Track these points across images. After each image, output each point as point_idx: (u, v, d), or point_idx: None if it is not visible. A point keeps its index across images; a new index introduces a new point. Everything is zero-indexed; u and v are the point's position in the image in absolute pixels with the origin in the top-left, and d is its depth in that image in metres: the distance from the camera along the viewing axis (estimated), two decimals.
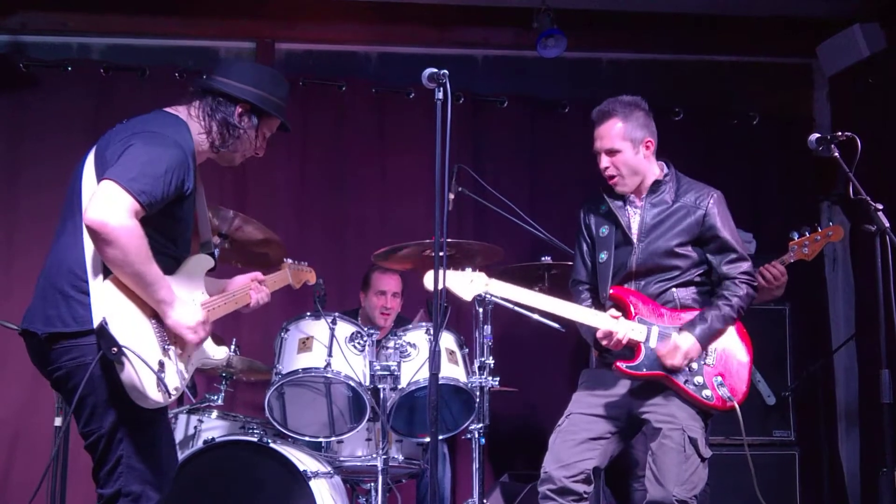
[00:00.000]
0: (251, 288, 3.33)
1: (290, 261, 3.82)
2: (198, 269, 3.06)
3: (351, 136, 5.88)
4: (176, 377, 2.83)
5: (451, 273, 3.42)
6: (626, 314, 3.45)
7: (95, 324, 2.66)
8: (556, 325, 4.44)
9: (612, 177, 3.54)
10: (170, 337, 2.85)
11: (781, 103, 6.33)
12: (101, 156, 2.83)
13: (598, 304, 3.60)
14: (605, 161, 3.54)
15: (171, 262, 2.94)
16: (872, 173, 3.62)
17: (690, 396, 3.39)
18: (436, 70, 2.94)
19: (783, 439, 5.27)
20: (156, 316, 2.81)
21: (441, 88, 2.94)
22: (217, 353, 3.12)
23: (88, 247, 2.74)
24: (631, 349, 3.43)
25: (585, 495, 3.40)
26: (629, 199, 3.59)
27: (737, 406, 3.39)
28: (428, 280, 3.35)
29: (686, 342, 3.38)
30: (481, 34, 6.10)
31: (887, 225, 3.35)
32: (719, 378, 3.42)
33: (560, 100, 6.08)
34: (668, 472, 3.34)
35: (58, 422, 4.31)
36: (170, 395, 2.79)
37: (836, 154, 3.42)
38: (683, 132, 5.95)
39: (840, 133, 3.43)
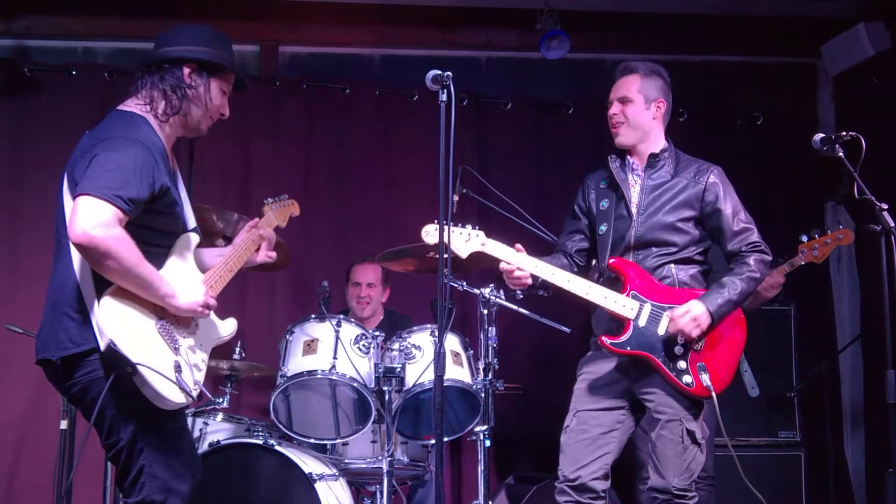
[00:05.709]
0: (250, 234, 3.27)
1: (269, 200, 3.60)
2: (185, 248, 3.00)
3: (355, 138, 5.88)
4: (192, 373, 2.85)
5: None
6: (622, 287, 3.43)
7: (102, 346, 2.65)
8: (561, 327, 4.44)
9: (617, 124, 3.55)
10: (178, 333, 2.86)
11: (786, 103, 6.32)
12: (72, 175, 2.80)
13: (582, 272, 3.61)
14: (615, 108, 3.56)
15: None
16: (877, 173, 3.61)
17: (671, 380, 3.35)
18: (440, 72, 2.94)
19: (789, 440, 5.26)
20: (158, 315, 2.81)
21: (445, 90, 2.93)
22: (225, 328, 3.11)
23: (78, 267, 2.74)
24: (619, 324, 3.41)
25: (603, 494, 3.40)
26: (632, 166, 3.57)
27: (714, 395, 3.33)
28: (428, 237, 3.41)
29: (696, 309, 3.33)
30: (485, 36, 6.10)
31: (893, 224, 3.33)
32: (703, 364, 3.37)
33: (564, 101, 6.08)
34: (668, 463, 3.35)
35: (63, 425, 4.32)
36: (191, 394, 2.81)
37: (841, 154, 3.41)
38: (687, 133, 5.92)
39: (844, 133, 3.42)
